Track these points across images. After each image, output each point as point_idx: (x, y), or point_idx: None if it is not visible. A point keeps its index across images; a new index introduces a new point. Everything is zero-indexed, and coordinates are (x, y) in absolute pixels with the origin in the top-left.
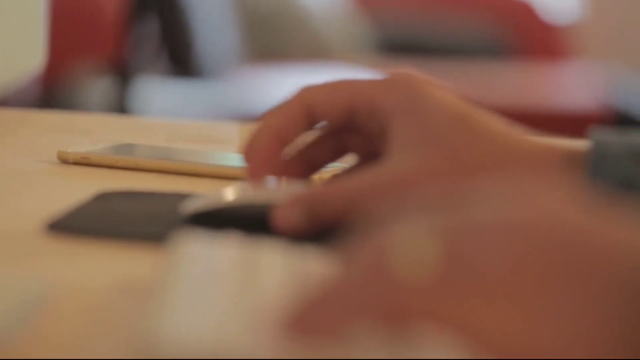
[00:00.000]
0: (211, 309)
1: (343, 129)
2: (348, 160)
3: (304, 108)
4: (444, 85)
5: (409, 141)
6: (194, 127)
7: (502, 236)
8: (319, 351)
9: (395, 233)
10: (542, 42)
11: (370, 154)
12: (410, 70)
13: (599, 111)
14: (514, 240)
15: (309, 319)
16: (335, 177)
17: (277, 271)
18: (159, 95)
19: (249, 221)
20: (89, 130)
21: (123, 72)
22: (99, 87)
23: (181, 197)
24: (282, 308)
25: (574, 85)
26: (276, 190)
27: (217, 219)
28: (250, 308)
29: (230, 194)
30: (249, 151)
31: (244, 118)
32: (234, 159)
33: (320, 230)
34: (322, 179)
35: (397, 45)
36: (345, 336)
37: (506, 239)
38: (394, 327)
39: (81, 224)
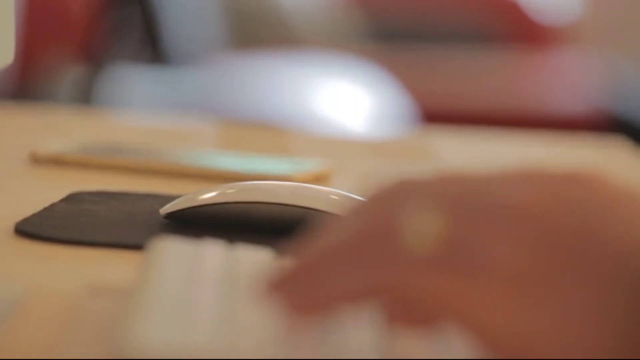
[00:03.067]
0: (186, 313)
1: None
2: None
3: None
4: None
5: None
6: (170, 123)
7: (511, 221)
8: (304, 329)
9: (407, 207)
10: (535, 33)
11: None
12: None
13: (592, 112)
14: (523, 228)
15: (301, 279)
16: None
17: (255, 276)
18: (133, 83)
19: (226, 220)
20: (62, 128)
21: (96, 61)
22: (72, 76)
23: (155, 197)
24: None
25: (567, 79)
26: (255, 189)
27: (194, 219)
28: (225, 312)
29: (207, 193)
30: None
31: (220, 107)
32: (211, 159)
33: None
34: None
35: (387, 33)
36: (335, 308)
37: (514, 225)
38: (390, 301)
39: (51, 230)
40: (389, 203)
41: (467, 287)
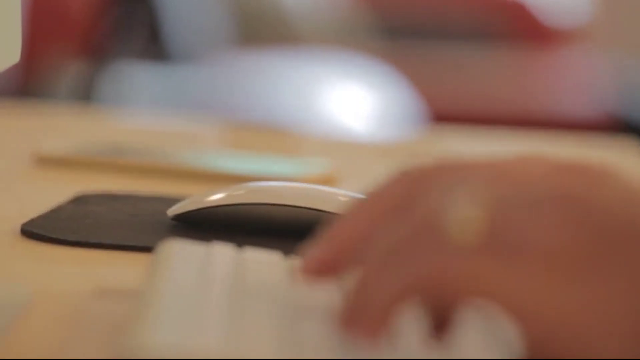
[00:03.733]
0: (195, 316)
1: None
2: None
3: None
4: None
5: None
6: (175, 123)
7: (552, 206)
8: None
9: (449, 195)
10: (544, 34)
11: None
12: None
13: (601, 113)
14: (564, 211)
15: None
16: None
17: (264, 278)
18: (137, 81)
19: (234, 222)
20: (66, 128)
21: (100, 59)
22: (75, 74)
23: (161, 199)
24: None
25: (576, 80)
26: (263, 191)
27: (202, 221)
28: (235, 315)
29: (215, 195)
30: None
31: (224, 105)
32: (218, 160)
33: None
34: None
35: (395, 32)
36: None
37: (555, 209)
38: (435, 290)
39: (57, 232)
40: (432, 195)
41: (510, 270)
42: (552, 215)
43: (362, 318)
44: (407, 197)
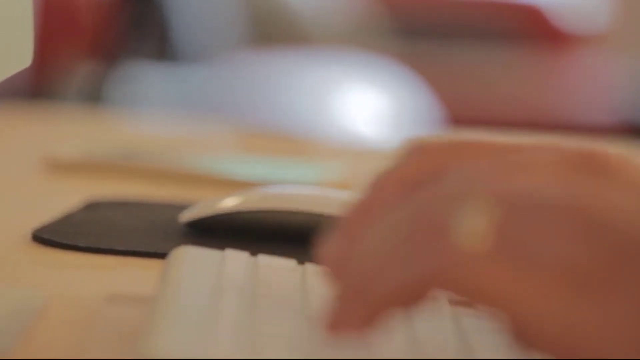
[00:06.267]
0: (208, 322)
1: None
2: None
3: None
4: None
5: None
6: (188, 127)
7: (564, 218)
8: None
9: (458, 196)
10: (561, 39)
11: None
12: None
13: (616, 118)
14: (577, 222)
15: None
16: None
17: (278, 285)
18: (148, 81)
19: (247, 228)
20: (77, 131)
21: (110, 59)
22: (85, 75)
23: (174, 205)
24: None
25: (592, 85)
26: (277, 196)
27: (215, 226)
28: (248, 322)
29: (228, 201)
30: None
31: (235, 106)
32: (231, 164)
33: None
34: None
35: (410, 32)
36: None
37: (568, 219)
38: (438, 291)
39: (69, 238)
40: (441, 194)
41: (520, 278)
42: (563, 224)
43: (355, 310)
44: (419, 181)
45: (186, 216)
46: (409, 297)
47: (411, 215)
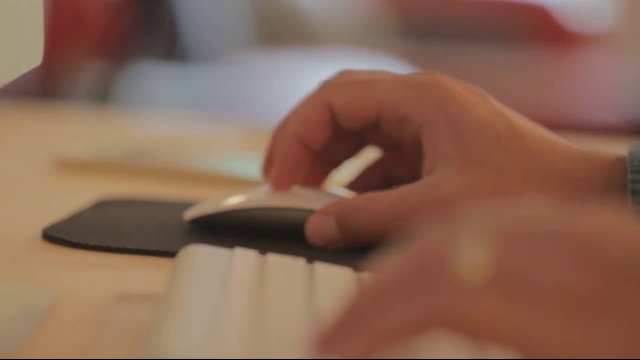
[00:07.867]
0: (217, 321)
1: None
2: (367, 154)
3: (328, 113)
4: (476, 90)
5: (451, 158)
6: (196, 126)
7: (563, 246)
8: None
9: (453, 233)
10: (568, 38)
11: (393, 148)
12: (439, 74)
13: (623, 119)
14: (576, 252)
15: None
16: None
17: (286, 284)
18: (156, 81)
19: (254, 226)
20: (86, 130)
21: (118, 59)
22: (94, 74)
23: (183, 203)
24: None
25: (599, 85)
26: (283, 194)
27: (221, 224)
28: (257, 321)
29: (234, 198)
30: (272, 160)
31: (242, 106)
32: (239, 163)
33: (353, 246)
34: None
35: (415, 32)
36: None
37: (567, 249)
38: (440, 327)
39: (79, 236)
40: (436, 235)
41: (522, 311)
42: (561, 250)
43: (351, 338)
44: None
45: (190, 214)
46: (407, 334)
47: (412, 254)
